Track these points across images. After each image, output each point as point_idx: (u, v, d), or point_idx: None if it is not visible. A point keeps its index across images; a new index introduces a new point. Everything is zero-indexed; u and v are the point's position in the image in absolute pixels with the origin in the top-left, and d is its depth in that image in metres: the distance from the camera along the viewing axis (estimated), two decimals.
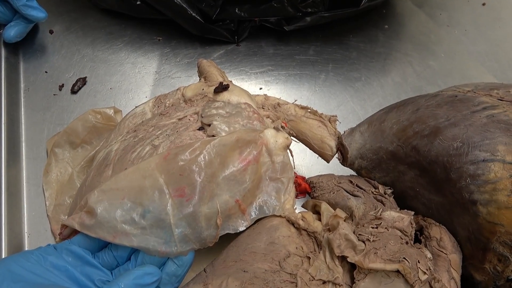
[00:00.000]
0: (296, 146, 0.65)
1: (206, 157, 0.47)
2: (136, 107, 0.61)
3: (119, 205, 0.46)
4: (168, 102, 0.58)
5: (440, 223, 0.49)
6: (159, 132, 0.51)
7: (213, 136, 0.49)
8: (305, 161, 0.67)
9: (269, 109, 0.57)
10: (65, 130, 0.65)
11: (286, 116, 0.56)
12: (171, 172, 0.46)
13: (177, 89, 0.59)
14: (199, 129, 0.51)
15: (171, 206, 0.47)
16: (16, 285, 0.41)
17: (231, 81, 0.59)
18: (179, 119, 0.53)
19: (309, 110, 0.57)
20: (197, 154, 0.47)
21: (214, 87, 0.56)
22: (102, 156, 0.55)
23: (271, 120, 0.56)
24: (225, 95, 0.55)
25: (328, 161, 0.57)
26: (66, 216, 0.60)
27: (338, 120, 0.57)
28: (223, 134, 0.49)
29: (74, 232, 0.49)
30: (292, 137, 0.56)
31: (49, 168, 0.64)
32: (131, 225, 0.47)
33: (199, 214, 0.47)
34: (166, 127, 0.52)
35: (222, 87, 0.55)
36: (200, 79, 0.63)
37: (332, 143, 0.55)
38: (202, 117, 0.52)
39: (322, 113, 0.57)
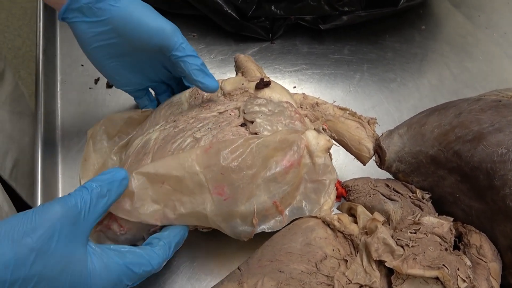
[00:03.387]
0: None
1: (249, 157, 0.47)
2: (172, 96, 0.61)
3: (159, 189, 0.47)
4: (205, 94, 0.58)
5: (480, 230, 0.48)
6: (201, 124, 0.51)
7: (256, 133, 0.49)
8: (338, 162, 0.66)
9: (307, 108, 0.56)
10: (103, 121, 0.66)
11: (324, 115, 0.55)
12: (211, 167, 0.47)
13: None
14: (241, 125, 0.51)
15: (209, 202, 0.47)
16: None
17: (269, 78, 0.58)
18: (220, 113, 0.53)
19: (348, 112, 0.56)
20: (239, 152, 0.47)
21: (255, 83, 0.55)
22: (140, 144, 0.54)
23: (309, 119, 0.55)
24: (266, 92, 0.54)
25: (364, 164, 0.56)
26: None
27: (377, 123, 0.56)
28: (266, 133, 0.49)
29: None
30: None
31: (87, 156, 0.65)
32: (172, 209, 0.48)
33: (236, 213, 0.48)
34: (207, 120, 0.52)
35: (264, 84, 0.55)
36: (237, 74, 0.63)
37: (370, 145, 0.54)
38: (244, 113, 0.51)
39: (361, 115, 0.56)
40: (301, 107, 0.56)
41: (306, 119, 0.54)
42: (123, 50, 0.55)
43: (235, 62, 0.63)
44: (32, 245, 0.38)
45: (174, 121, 0.54)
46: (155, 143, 0.52)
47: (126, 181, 0.47)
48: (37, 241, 0.39)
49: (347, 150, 0.57)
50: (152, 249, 0.47)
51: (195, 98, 0.58)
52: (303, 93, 0.59)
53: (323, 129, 0.53)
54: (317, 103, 0.56)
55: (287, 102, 0.53)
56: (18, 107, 0.83)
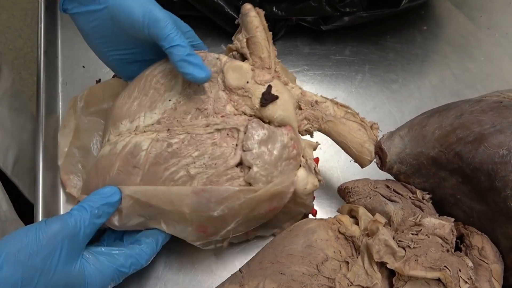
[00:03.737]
0: (332, 148, 0.64)
1: (237, 208, 0.49)
2: (166, 62, 0.56)
3: (146, 209, 0.51)
4: None
5: (482, 231, 0.48)
6: (196, 154, 0.50)
7: (250, 184, 0.49)
8: (339, 163, 0.67)
9: (306, 107, 0.55)
10: (86, 92, 0.67)
11: (324, 115, 0.55)
12: (199, 213, 0.50)
13: (217, 58, 0.54)
14: (237, 166, 0.50)
15: (191, 233, 0.52)
16: None
17: (279, 62, 0.57)
18: (217, 130, 0.50)
19: (349, 111, 0.56)
20: (228, 203, 0.49)
21: (261, 91, 0.52)
22: (128, 147, 0.51)
23: (307, 120, 0.55)
24: (270, 109, 0.51)
25: (364, 166, 0.56)
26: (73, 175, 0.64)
27: (380, 130, 0.56)
28: (260, 184, 0.49)
29: None
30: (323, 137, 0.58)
31: (66, 123, 0.66)
32: (157, 224, 0.53)
33: (213, 240, 0.54)
34: (203, 146, 0.50)
35: (271, 99, 0.51)
36: (240, 31, 0.57)
37: (372, 148, 0.54)
38: (243, 150, 0.49)
39: (363, 118, 0.56)
40: (300, 108, 0.55)
41: (304, 121, 0.54)
42: (122, 40, 0.54)
43: (242, 17, 0.56)
44: (37, 266, 0.42)
45: (168, 129, 0.51)
46: (146, 158, 0.50)
47: (118, 203, 0.50)
48: (41, 261, 0.42)
49: (346, 152, 0.56)
50: (141, 247, 0.51)
51: None
52: (301, 88, 0.57)
53: (314, 168, 0.54)
54: (316, 101, 0.55)
55: (288, 131, 0.51)
56: (16, 103, 0.83)
